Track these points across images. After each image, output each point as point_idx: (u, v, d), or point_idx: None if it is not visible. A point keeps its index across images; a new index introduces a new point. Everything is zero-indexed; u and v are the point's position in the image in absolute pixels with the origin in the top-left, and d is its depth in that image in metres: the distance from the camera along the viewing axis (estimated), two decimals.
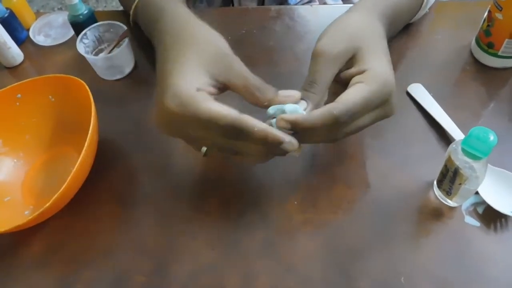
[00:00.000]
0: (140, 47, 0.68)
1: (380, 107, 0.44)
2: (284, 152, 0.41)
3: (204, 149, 0.43)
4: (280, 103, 0.42)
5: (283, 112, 0.41)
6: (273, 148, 0.41)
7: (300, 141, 0.42)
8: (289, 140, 0.40)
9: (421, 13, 0.64)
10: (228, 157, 0.44)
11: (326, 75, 0.44)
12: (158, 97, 0.42)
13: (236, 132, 0.39)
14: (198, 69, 0.42)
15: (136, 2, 0.60)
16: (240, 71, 0.43)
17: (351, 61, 0.45)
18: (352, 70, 0.44)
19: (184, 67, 0.42)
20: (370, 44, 0.45)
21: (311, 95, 0.43)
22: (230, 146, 0.42)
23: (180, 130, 0.43)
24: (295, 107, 0.42)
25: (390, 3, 0.52)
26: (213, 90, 0.42)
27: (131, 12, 0.62)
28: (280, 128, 0.41)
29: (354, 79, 0.43)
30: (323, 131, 0.41)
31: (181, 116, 0.40)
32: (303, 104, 0.43)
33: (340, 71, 0.45)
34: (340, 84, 0.45)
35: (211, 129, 0.40)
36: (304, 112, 0.42)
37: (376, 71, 0.43)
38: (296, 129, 0.41)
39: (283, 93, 0.43)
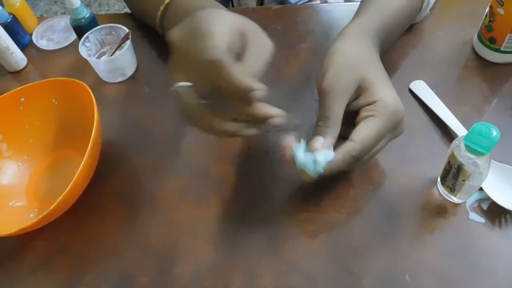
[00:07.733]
0: (142, 49, 0.68)
1: (392, 132, 0.45)
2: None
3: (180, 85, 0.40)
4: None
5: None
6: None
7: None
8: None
9: (422, 14, 0.63)
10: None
11: (338, 109, 0.44)
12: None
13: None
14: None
15: (162, 9, 0.59)
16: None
17: (357, 90, 0.45)
18: (361, 101, 0.45)
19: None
20: (372, 72, 0.46)
21: (327, 130, 0.44)
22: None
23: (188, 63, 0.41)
24: (325, 154, 0.43)
25: (382, 23, 0.52)
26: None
27: (159, 13, 0.60)
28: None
29: (364, 111, 0.44)
30: (344, 168, 0.44)
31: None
32: (320, 140, 0.44)
33: (349, 101, 0.45)
34: (350, 112, 0.46)
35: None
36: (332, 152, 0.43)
37: (385, 101, 0.44)
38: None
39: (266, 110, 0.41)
